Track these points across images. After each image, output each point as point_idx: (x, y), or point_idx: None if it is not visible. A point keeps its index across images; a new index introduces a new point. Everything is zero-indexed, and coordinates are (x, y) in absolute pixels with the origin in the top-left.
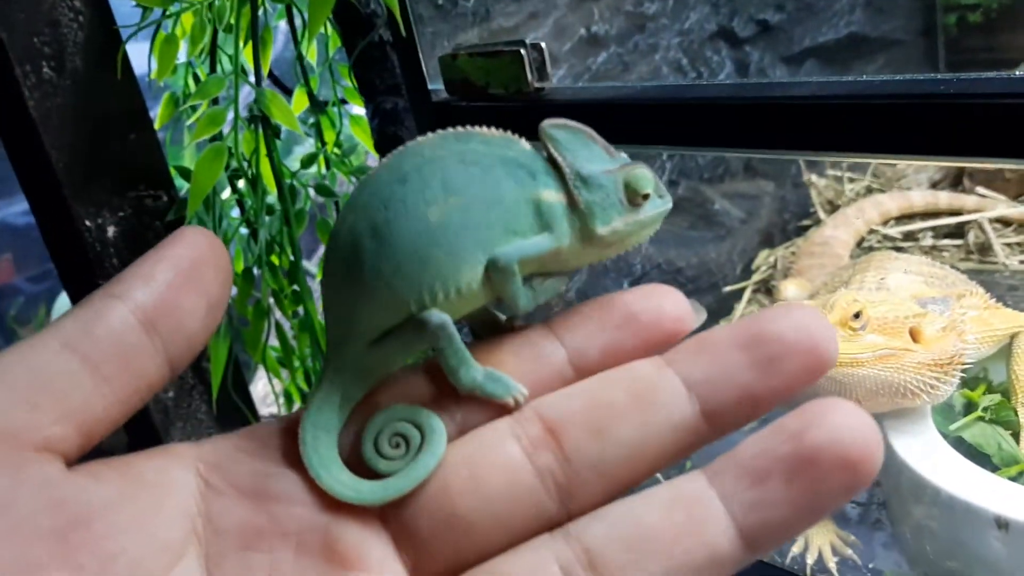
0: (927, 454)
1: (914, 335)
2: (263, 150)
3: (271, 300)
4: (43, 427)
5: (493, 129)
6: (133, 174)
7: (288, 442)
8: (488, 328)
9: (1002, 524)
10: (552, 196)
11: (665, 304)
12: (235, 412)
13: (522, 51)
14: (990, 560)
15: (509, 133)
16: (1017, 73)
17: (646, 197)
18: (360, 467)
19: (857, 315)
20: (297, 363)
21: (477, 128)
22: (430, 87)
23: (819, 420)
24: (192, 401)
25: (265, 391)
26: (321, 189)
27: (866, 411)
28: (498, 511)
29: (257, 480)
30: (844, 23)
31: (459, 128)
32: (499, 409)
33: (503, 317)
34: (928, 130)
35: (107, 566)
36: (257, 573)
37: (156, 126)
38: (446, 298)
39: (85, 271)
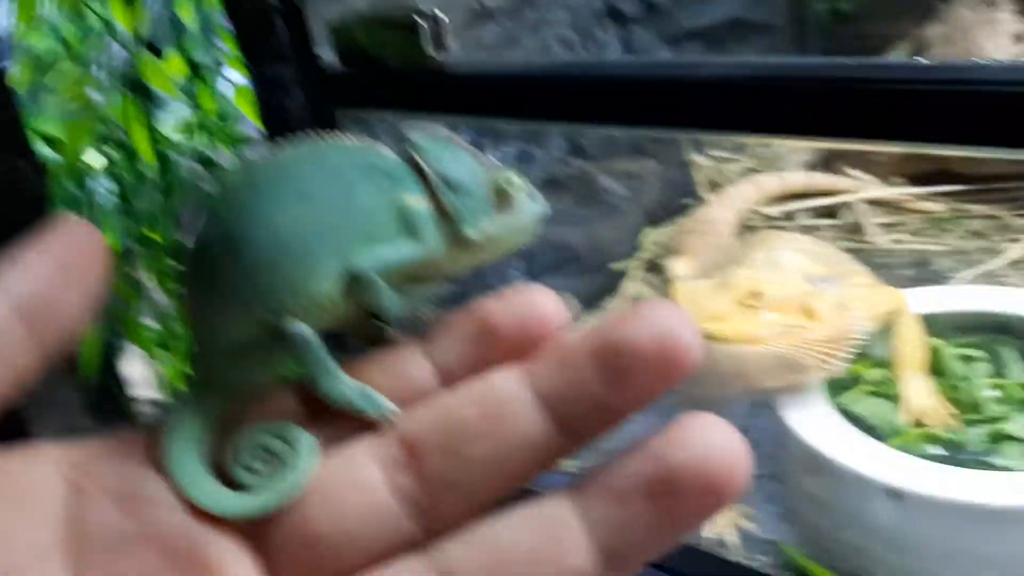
0: (819, 427)
1: (807, 312)
2: (136, 115)
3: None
4: None
5: (351, 137)
6: None
7: (156, 449)
8: (373, 341)
9: (895, 495)
10: (416, 201)
11: (529, 309)
12: (108, 397)
13: (418, 20)
14: (884, 530)
15: (369, 141)
16: (888, 59)
17: (516, 199)
18: (231, 483)
19: (756, 293)
20: (176, 345)
21: (335, 137)
22: (320, 56)
23: (682, 440)
24: (61, 387)
25: (140, 374)
26: (203, 160)
27: (761, 387)
28: (356, 532)
29: (125, 483)
30: (726, 6)
31: (313, 134)
32: (367, 426)
33: (392, 331)
34: (803, 110)
35: None
36: None
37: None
38: (299, 307)
39: None
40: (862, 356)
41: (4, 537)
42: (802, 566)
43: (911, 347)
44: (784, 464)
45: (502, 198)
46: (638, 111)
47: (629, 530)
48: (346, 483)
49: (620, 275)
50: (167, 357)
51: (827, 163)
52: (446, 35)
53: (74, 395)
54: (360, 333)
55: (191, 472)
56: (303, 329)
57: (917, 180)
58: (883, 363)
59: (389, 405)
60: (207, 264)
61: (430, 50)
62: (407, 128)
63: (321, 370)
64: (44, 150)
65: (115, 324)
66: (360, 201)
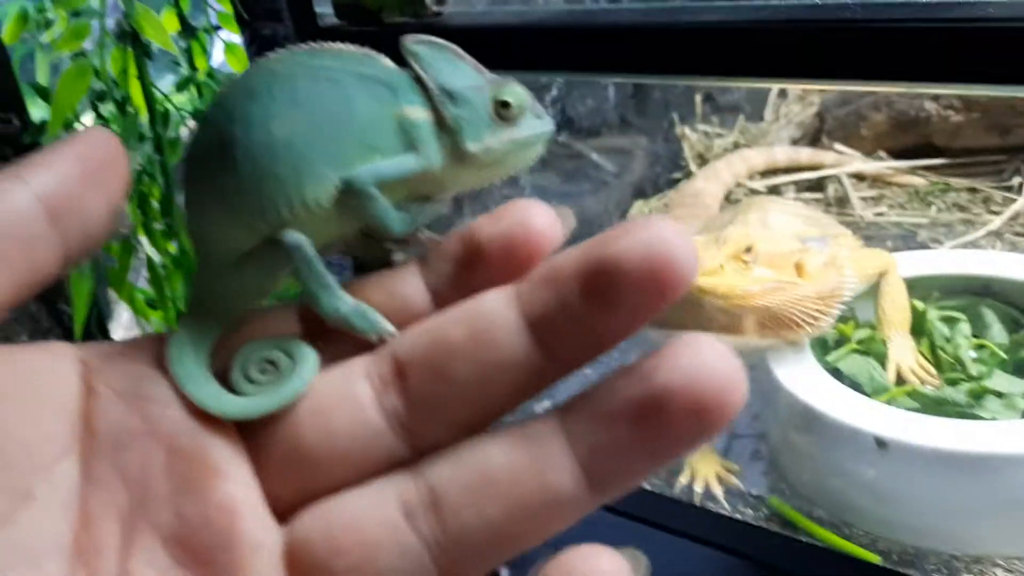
0: (808, 382)
1: (798, 269)
2: (133, 70)
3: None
4: None
5: (349, 45)
6: None
7: (162, 355)
8: (372, 260)
9: (881, 443)
10: (416, 113)
11: (519, 226)
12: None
13: None
14: (870, 480)
15: (368, 49)
16: None
17: (519, 113)
18: (233, 390)
19: (748, 249)
20: (170, 304)
21: (332, 44)
22: (316, 10)
23: (673, 361)
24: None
25: (127, 335)
26: (199, 116)
27: (751, 343)
28: (343, 447)
29: (132, 382)
30: None
31: (313, 44)
32: (365, 345)
33: (393, 251)
34: (801, 53)
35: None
36: (129, 472)
37: (5, 42)
38: (292, 216)
39: None
40: (845, 318)
41: (29, 423)
42: (788, 517)
43: (897, 307)
44: (772, 420)
45: (506, 112)
46: (635, 59)
47: (613, 452)
48: (337, 399)
49: None
50: (159, 319)
51: (812, 138)
52: None
53: None
54: (359, 251)
55: (194, 376)
56: (301, 240)
57: (900, 154)
58: (868, 324)
59: (386, 324)
60: (203, 173)
61: (431, 3)
62: (408, 39)
63: (319, 285)
64: (37, 105)
65: (105, 286)
66: (358, 110)
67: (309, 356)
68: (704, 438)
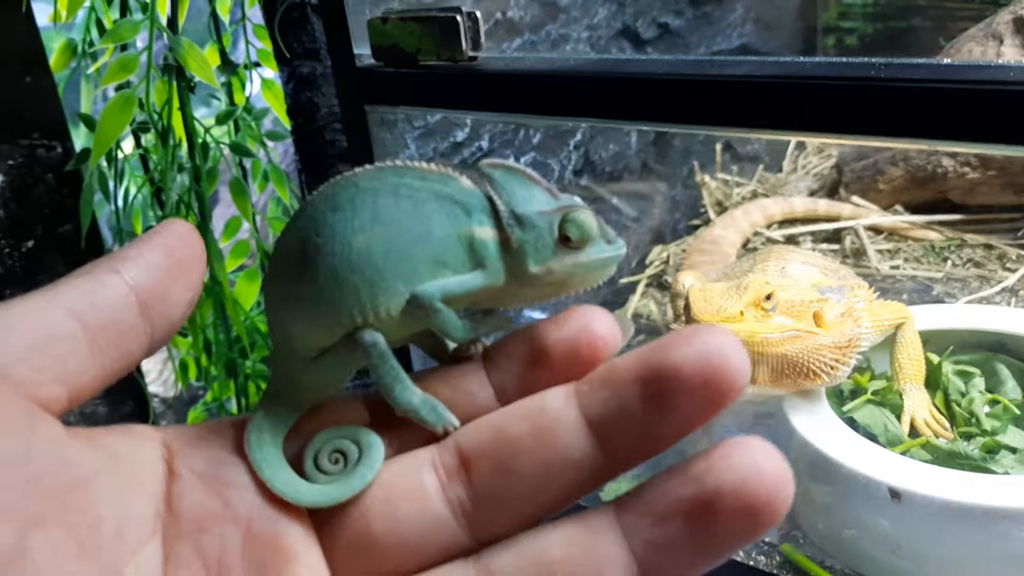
0: (824, 431)
1: (816, 319)
2: (176, 102)
3: None
4: (45, 385)
5: (432, 165)
6: (26, 121)
7: (239, 439)
8: (438, 356)
9: (894, 494)
10: (485, 233)
11: (582, 334)
12: (124, 386)
13: (458, 18)
14: (882, 529)
15: (449, 169)
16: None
17: (586, 240)
18: (306, 477)
19: (768, 297)
20: (199, 332)
21: (416, 163)
22: (355, 51)
23: (723, 462)
24: None
25: (147, 366)
26: (237, 148)
27: (768, 391)
28: (410, 536)
29: (213, 467)
30: (737, 35)
31: (398, 162)
32: (430, 435)
33: (452, 346)
34: (847, 109)
35: (95, 529)
36: (208, 554)
37: (52, 71)
38: (364, 321)
39: None
40: (862, 369)
41: (121, 505)
42: (801, 565)
43: (912, 360)
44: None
45: (571, 238)
46: (659, 108)
47: (667, 549)
48: (404, 489)
49: (628, 289)
50: (187, 347)
51: (830, 190)
52: (482, 34)
53: None
54: (426, 346)
55: (272, 463)
56: (377, 338)
57: (917, 209)
58: (884, 375)
59: (451, 417)
60: (285, 275)
61: (467, 47)
62: (485, 162)
63: (393, 378)
64: (79, 133)
65: None
66: (433, 229)
67: (376, 445)
68: (756, 536)
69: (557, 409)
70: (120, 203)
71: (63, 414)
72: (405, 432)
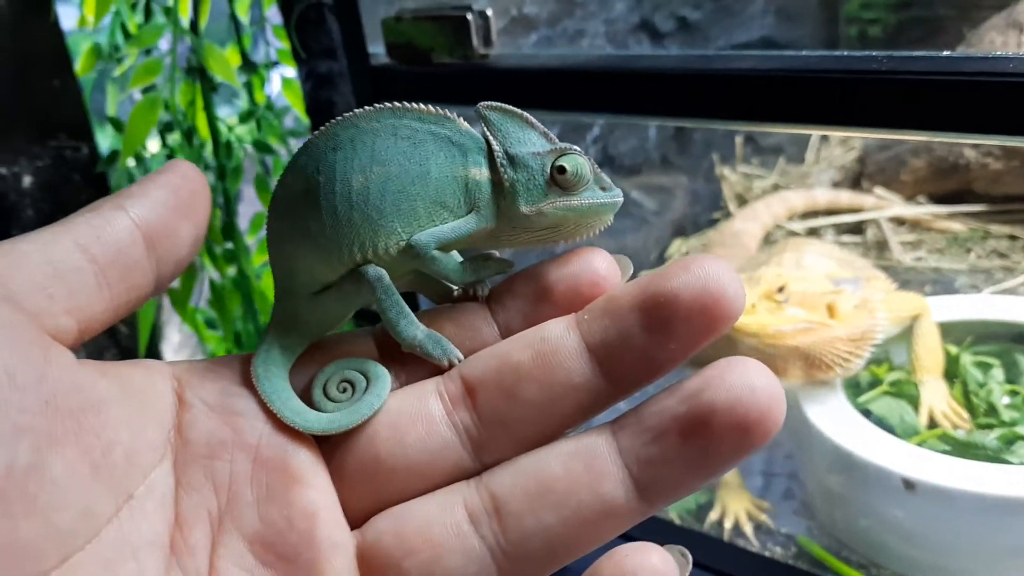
0: (840, 423)
1: (830, 311)
2: (199, 103)
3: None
4: (56, 315)
5: (431, 106)
6: (53, 123)
7: (247, 372)
8: (442, 302)
9: (909, 485)
10: (480, 174)
11: (583, 271)
12: None
13: (469, 16)
14: (898, 521)
15: (447, 111)
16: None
17: (578, 182)
18: (313, 406)
19: (781, 289)
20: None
21: (415, 104)
22: (369, 50)
23: (717, 381)
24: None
25: (176, 356)
26: (260, 145)
27: (783, 383)
28: (416, 460)
29: (223, 398)
30: (758, 26)
31: (397, 103)
32: (435, 369)
33: (455, 289)
34: (860, 102)
35: (108, 452)
36: (218, 479)
37: (78, 74)
38: (364, 259)
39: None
40: (879, 361)
41: (133, 431)
42: (817, 556)
43: (930, 351)
44: (803, 459)
45: (563, 180)
46: (675, 103)
47: (662, 465)
48: (411, 415)
49: None
50: (216, 341)
51: (853, 181)
52: (494, 31)
53: None
54: (423, 289)
55: (280, 393)
56: (381, 273)
57: (941, 200)
58: (902, 366)
59: (454, 350)
60: (288, 212)
61: (478, 45)
62: (482, 104)
63: (398, 313)
64: (104, 134)
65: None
66: (431, 169)
67: (383, 376)
68: (747, 453)
69: (558, 336)
70: None
71: (74, 346)
72: (411, 366)
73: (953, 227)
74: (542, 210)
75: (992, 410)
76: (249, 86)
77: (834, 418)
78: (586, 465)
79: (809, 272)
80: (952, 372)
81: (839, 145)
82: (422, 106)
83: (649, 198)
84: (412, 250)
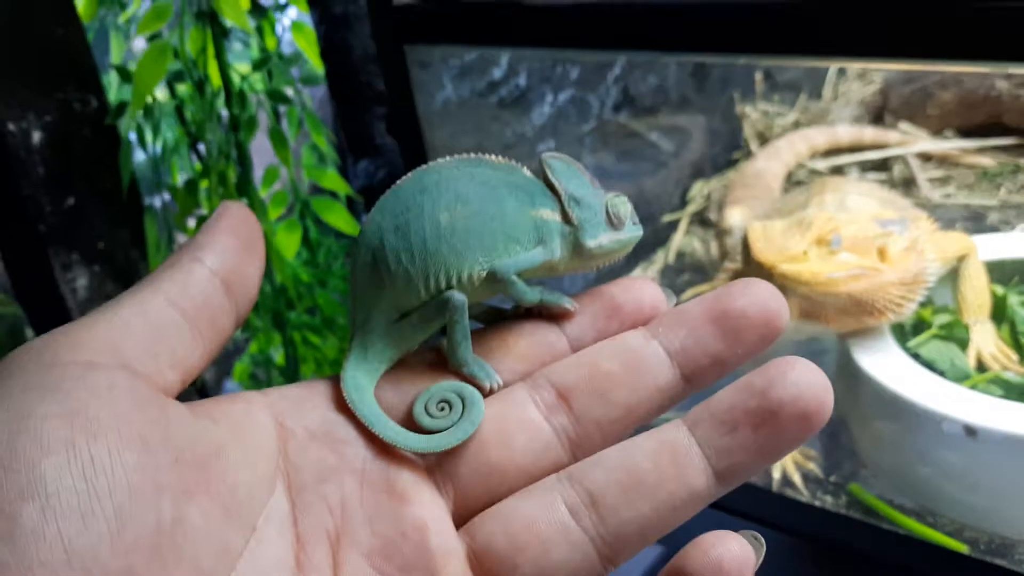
0: (893, 369)
1: (881, 255)
2: (211, 50)
3: None
4: (164, 372)
5: (500, 158)
6: (59, 74)
7: (337, 397)
8: (486, 321)
9: (970, 431)
10: (549, 215)
11: (644, 295)
12: None
13: None
14: (957, 466)
15: (513, 162)
16: None
17: (625, 219)
18: (411, 427)
19: (832, 232)
20: None
21: (487, 156)
22: None
23: (781, 379)
24: None
25: None
26: (275, 95)
27: (833, 329)
28: (523, 461)
29: (324, 425)
30: None
31: (471, 155)
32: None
33: (508, 310)
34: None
35: (233, 493)
36: (331, 501)
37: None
38: (448, 285)
39: (9, 178)
40: (925, 301)
41: (248, 468)
42: (870, 504)
43: (977, 292)
44: (851, 407)
45: (614, 216)
46: (701, 38)
47: (738, 454)
48: (515, 422)
49: (669, 227)
50: None
51: (874, 117)
52: None
53: None
54: (482, 318)
55: (378, 417)
56: (464, 299)
57: (969, 133)
58: (945, 308)
59: (496, 376)
60: (378, 246)
61: None
62: (546, 154)
63: (462, 337)
64: (111, 85)
65: None
66: (504, 210)
67: (479, 399)
68: (808, 437)
69: (640, 346)
70: (157, 154)
71: (178, 396)
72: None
73: (983, 162)
74: (601, 243)
75: None
76: (260, 32)
77: (887, 364)
78: (672, 459)
79: (855, 214)
80: (999, 313)
81: (857, 79)
82: (493, 157)
83: (667, 139)
84: (495, 276)
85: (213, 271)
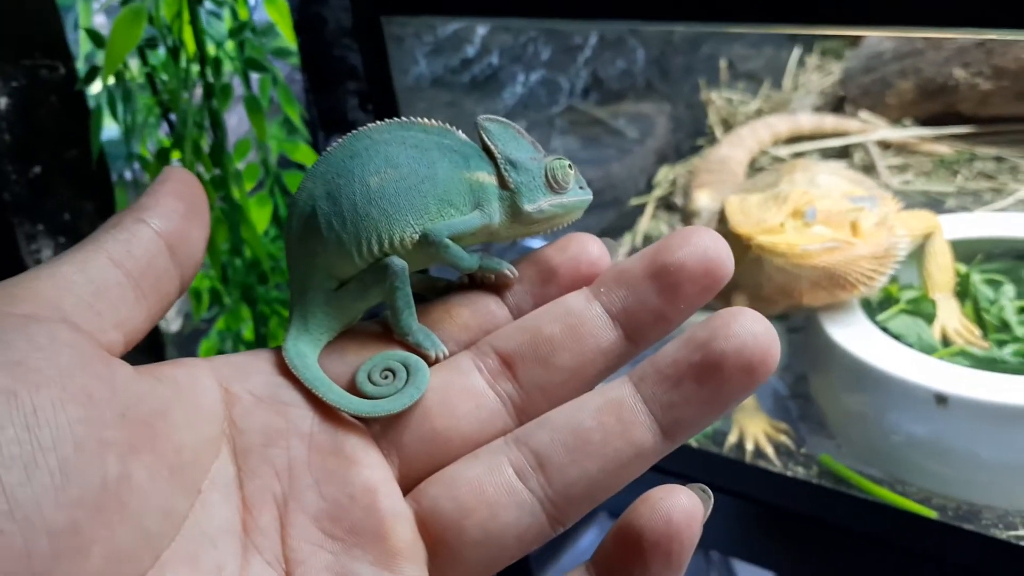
0: (865, 341)
1: (854, 229)
2: (186, 15)
3: None
4: (107, 331)
5: (434, 121)
6: (28, 40)
7: (282, 364)
8: (432, 292)
9: (941, 399)
10: (485, 178)
11: (581, 253)
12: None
13: None
14: (927, 435)
15: (447, 125)
16: None
17: (567, 183)
18: (355, 393)
19: (807, 204)
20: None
21: (418, 119)
22: None
23: (724, 330)
24: None
25: None
26: (252, 63)
27: (805, 304)
28: (468, 429)
29: (270, 389)
30: None
31: (403, 118)
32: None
33: (449, 280)
34: None
35: (178, 454)
36: (278, 464)
37: None
38: (381, 250)
39: None
40: (889, 279)
41: (192, 429)
42: (841, 474)
43: (942, 269)
44: (822, 380)
45: (554, 180)
46: (677, 5)
47: (682, 407)
48: (459, 390)
49: (635, 211)
50: (200, 277)
51: (835, 106)
52: None
53: None
54: (420, 288)
55: (323, 382)
56: (404, 265)
57: (926, 122)
58: (910, 285)
59: (442, 346)
60: (309, 213)
61: None
62: (481, 117)
63: (405, 304)
64: (82, 52)
65: None
66: (438, 172)
67: (424, 367)
68: (753, 390)
69: (581, 309)
70: (127, 125)
71: (121, 356)
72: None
73: (939, 150)
74: (541, 207)
75: (1005, 326)
76: (232, 3)
77: (858, 337)
78: (617, 417)
79: (827, 191)
80: (962, 290)
81: (816, 70)
82: (425, 120)
83: (632, 126)
84: (427, 239)
85: (157, 233)
